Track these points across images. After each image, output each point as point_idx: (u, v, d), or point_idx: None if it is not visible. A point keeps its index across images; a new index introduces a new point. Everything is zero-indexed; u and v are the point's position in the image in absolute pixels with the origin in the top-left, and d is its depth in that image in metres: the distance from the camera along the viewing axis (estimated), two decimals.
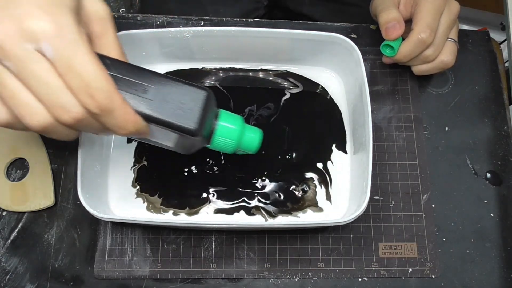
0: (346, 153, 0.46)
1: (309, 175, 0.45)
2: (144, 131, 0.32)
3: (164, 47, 0.46)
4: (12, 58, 0.26)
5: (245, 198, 0.45)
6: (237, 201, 0.45)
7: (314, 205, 0.44)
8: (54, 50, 0.26)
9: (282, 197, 0.45)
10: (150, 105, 0.31)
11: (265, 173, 0.45)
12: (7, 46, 0.26)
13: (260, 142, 0.38)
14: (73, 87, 0.27)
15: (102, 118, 0.29)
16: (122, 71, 0.31)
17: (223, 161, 0.46)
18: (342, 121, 0.47)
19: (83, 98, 0.27)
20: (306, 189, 0.45)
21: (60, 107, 0.27)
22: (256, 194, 0.45)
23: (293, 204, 0.44)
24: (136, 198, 0.45)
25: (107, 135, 0.44)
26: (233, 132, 0.36)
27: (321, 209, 0.44)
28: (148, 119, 0.31)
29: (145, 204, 0.45)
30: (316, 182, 0.45)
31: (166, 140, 0.35)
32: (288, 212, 0.44)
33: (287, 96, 0.48)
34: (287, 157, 0.46)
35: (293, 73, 0.49)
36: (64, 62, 0.27)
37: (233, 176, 0.45)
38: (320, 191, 0.45)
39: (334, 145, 0.47)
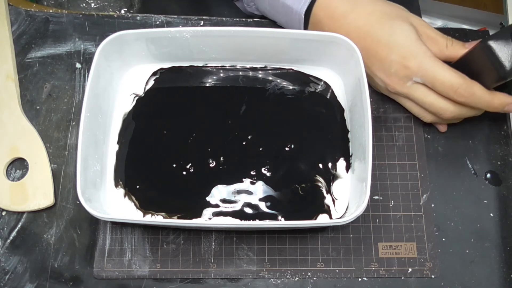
0: (346, 153, 0.46)
1: (311, 175, 0.45)
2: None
3: (163, 47, 0.46)
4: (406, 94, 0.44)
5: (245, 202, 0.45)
6: (237, 204, 0.45)
7: (324, 212, 0.44)
8: (421, 78, 0.42)
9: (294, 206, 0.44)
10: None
11: (265, 174, 0.45)
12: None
13: None
14: (443, 93, 0.41)
15: (471, 102, 0.41)
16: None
17: (222, 159, 0.46)
18: (344, 120, 0.47)
19: (453, 96, 0.41)
20: (306, 188, 0.45)
21: (439, 108, 0.43)
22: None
23: (306, 218, 0.44)
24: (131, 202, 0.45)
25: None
26: None
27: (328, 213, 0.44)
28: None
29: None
30: (318, 182, 0.45)
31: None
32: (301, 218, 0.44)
33: (311, 89, 0.49)
34: (286, 149, 0.46)
35: (295, 72, 0.49)
36: (430, 81, 0.41)
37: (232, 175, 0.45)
38: (322, 192, 0.45)
39: (334, 145, 0.47)
